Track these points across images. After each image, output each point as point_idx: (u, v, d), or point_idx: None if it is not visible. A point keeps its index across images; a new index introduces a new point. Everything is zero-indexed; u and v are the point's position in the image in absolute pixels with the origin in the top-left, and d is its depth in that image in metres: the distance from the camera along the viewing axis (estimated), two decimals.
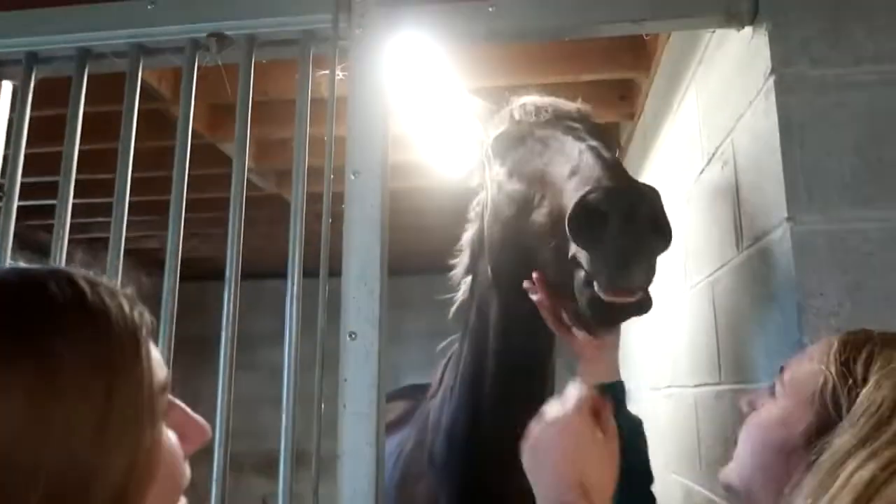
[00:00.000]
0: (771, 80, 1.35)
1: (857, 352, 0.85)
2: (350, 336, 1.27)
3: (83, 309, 0.66)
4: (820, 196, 1.27)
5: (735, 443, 0.95)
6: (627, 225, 1.18)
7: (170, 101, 3.12)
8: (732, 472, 0.93)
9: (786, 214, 1.27)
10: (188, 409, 0.75)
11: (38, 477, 0.58)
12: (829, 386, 0.82)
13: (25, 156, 1.65)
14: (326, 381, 1.34)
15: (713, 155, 1.76)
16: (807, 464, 0.79)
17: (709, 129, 1.81)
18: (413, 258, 5.40)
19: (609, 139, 1.58)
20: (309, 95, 1.50)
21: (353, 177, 1.37)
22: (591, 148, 1.35)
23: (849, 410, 0.79)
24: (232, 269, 1.49)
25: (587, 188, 1.22)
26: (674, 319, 2.27)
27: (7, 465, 0.57)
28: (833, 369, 0.83)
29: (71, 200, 1.62)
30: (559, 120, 1.54)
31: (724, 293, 1.67)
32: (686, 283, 2.07)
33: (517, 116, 1.61)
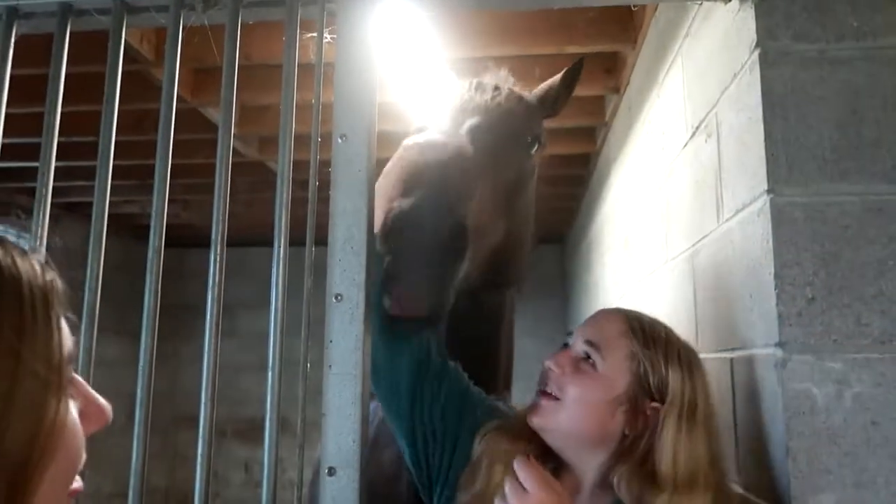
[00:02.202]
0: (756, 54, 1.36)
1: (652, 337, 1.26)
2: (336, 298, 1.28)
3: None
4: (800, 169, 1.29)
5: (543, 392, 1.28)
6: (411, 253, 1.32)
7: (151, 63, 3.06)
8: (550, 417, 1.26)
9: (766, 187, 1.29)
10: (89, 388, 0.71)
11: None
12: (642, 369, 1.23)
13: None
14: (309, 347, 1.36)
15: (697, 128, 1.77)
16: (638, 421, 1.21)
17: (693, 101, 1.83)
18: None
19: (513, 129, 1.63)
20: (296, 59, 1.49)
21: (340, 140, 1.36)
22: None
23: (657, 386, 1.21)
24: (218, 234, 1.48)
25: (393, 205, 1.34)
26: (653, 291, 2.31)
27: None
28: (638, 343, 1.25)
29: (53, 162, 1.60)
30: (462, 112, 1.61)
31: (704, 264, 1.70)
32: (666, 254, 2.10)
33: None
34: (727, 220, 1.50)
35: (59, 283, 0.69)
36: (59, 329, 0.65)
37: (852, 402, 1.17)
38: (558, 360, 1.29)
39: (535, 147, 1.69)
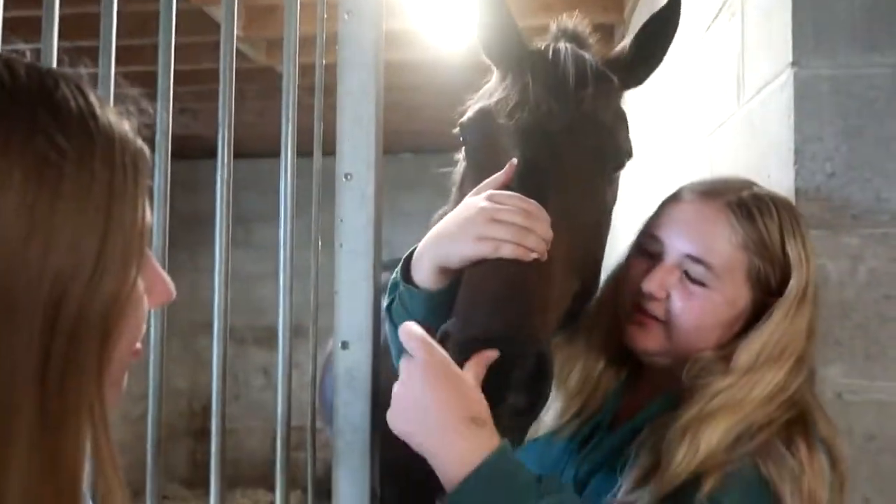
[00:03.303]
0: None
1: (765, 225, 1.02)
2: (346, 177, 1.26)
3: (94, 121, 0.63)
4: (827, 41, 1.24)
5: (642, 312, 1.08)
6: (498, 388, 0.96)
7: None
8: (658, 342, 1.07)
9: (790, 59, 1.24)
10: (156, 263, 0.72)
11: (42, 282, 0.57)
12: (758, 270, 1.02)
13: None
14: (321, 257, 1.36)
15: (720, 9, 1.70)
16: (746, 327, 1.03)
17: None
18: (407, 137, 5.33)
19: (601, 159, 1.20)
20: None
21: (346, 17, 1.31)
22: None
23: (779, 284, 1.02)
24: (224, 135, 1.44)
25: (456, 321, 1.03)
26: (667, 182, 2.27)
27: (13, 267, 0.56)
28: (754, 252, 1.02)
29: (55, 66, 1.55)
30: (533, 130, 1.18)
31: (721, 150, 1.66)
32: (682, 144, 2.06)
33: (489, 103, 1.26)
34: (749, 100, 1.45)
35: (147, 152, 0.69)
36: (144, 197, 0.66)
37: (866, 277, 1.16)
38: (658, 280, 1.04)
39: (624, 167, 1.26)
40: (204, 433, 6.57)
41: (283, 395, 1.45)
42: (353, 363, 1.22)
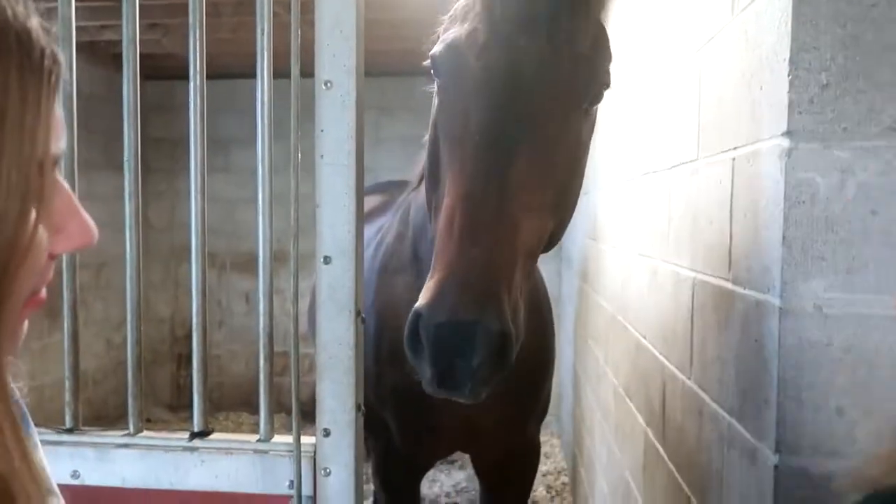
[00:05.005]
0: None
1: None
2: (325, 85, 1.22)
3: None
4: None
5: None
6: (445, 357, 1.04)
7: None
8: None
9: None
10: (76, 200, 0.61)
11: None
12: None
13: None
14: (301, 181, 1.32)
15: None
16: None
17: None
18: (388, 57, 5.16)
19: (573, 97, 1.17)
20: None
21: None
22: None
23: None
24: (196, 48, 1.37)
25: (426, 303, 1.05)
26: (653, 101, 2.23)
27: None
28: None
29: None
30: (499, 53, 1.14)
31: (712, 64, 1.62)
32: (668, 58, 2.01)
33: (460, 36, 1.21)
34: (743, 9, 1.40)
35: (61, 65, 0.56)
36: (50, 117, 0.55)
37: (855, 191, 1.15)
38: None
39: (600, 100, 1.25)
40: (186, 358, 6.63)
41: (264, 319, 1.45)
42: (335, 278, 1.21)
